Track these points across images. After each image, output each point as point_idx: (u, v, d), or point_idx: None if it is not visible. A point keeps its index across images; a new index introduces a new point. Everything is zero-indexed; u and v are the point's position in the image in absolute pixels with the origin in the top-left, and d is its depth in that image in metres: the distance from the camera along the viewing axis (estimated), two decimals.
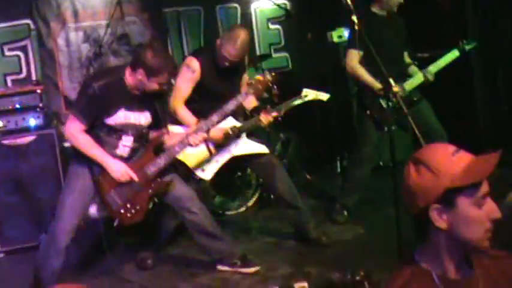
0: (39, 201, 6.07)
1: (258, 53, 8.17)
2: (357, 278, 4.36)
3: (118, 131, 4.66)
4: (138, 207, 4.73)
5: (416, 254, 2.03)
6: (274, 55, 8.23)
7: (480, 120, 7.88)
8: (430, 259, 1.99)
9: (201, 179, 5.42)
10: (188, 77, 5.23)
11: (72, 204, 4.66)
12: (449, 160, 1.93)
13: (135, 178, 4.68)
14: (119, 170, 4.63)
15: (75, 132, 4.57)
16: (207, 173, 5.34)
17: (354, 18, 4.18)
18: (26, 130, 6.18)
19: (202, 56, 5.32)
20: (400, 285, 1.95)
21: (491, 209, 1.93)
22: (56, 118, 6.96)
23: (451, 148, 1.98)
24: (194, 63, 5.24)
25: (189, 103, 5.28)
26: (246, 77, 5.58)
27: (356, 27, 4.25)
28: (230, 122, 5.31)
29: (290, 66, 8.47)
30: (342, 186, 6.34)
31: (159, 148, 4.88)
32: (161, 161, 4.79)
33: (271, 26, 8.37)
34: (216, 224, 5.15)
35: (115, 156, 4.67)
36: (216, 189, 6.53)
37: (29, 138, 6.10)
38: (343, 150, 7.76)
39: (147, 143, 4.85)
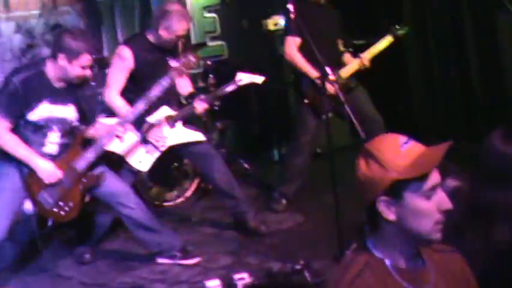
0: None
1: (193, 41, 8.09)
2: (297, 267, 4.40)
3: (43, 128, 4.54)
4: (71, 205, 4.64)
5: (369, 242, 2.00)
6: (209, 43, 8.15)
7: (416, 106, 7.98)
8: (382, 248, 1.97)
9: (138, 171, 5.33)
10: (120, 66, 5.14)
11: (1, 206, 4.53)
12: (397, 152, 1.92)
13: (62, 176, 4.57)
14: (46, 170, 4.52)
15: (0, 132, 4.44)
16: (144, 165, 5.25)
17: (289, 6, 4.16)
18: None
19: (133, 43, 5.23)
20: (354, 273, 1.91)
21: (441, 200, 1.92)
22: None
23: (401, 139, 1.96)
24: (125, 52, 5.14)
25: (125, 93, 5.17)
26: None
27: (291, 15, 4.23)
28: (164, 111, 5.23)
29: (226, 54, 8.40)
30: (281, 175, 6.32)
31: (87, 142, 4.77)
32: (90, 155, 4.68)
33: (207, 15, 8.29)
34: (153, 217, 5.07)
35: (43, 154, 4.56)
36: (153, 180, 6.43)
37: None
38: (280, 138, 7.75)
39: (74, 137, 4.73)
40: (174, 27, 5.03)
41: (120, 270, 5.09)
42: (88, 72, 4.61)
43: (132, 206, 4.88)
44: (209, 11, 8.29)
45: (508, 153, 2.60)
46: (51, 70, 4.49)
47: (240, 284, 4.35)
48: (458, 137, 7.52)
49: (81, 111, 4.72)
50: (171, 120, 5.23)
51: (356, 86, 5.85)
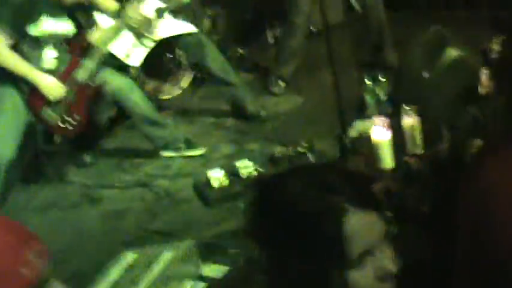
0: None
1: None
2: (300, 149, 4.35)
3: (41, 43, 4.40)
4: (77, 118, 4.54)
5: None
6: None
7: None
8: None
9: (129, 66, 5.21)
10: None
11: (6, 127, 4.43)
12: None
13: (64, 90, 4.45)
14: (49, 86, 4.40)
15: (0, 49, 4.28)
16: (135, 59, 5.11)
17: None
18: None
19: None
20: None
21: None
22: None
23: None
24: None
25: None
26: None
27: None
28: (154, 4, 5.05)
29: None
30: (276, 57, 6.17)
31: (85, 50, 4.62)
32: (89, 63, 4.55)
33: None
34: (156, 111, 5.00)
35: (43, 70, 4.41)
36: (147, 74, 6.31)
37: None
38: (273, 21, 7.55)
39: (71, 47, 4.58)
40: None
41: (122, 169, 5.07)
42: None
43: (137, 100, 4.83)
44: None
45: None
46: None
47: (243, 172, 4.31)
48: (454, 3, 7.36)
49: (77, 21, 4.56)
50: (160, 12, 5.06)
51: None
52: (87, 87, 4.59)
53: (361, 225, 1.39)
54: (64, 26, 4.49)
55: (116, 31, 4.73)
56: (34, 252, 1.59)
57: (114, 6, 4.89)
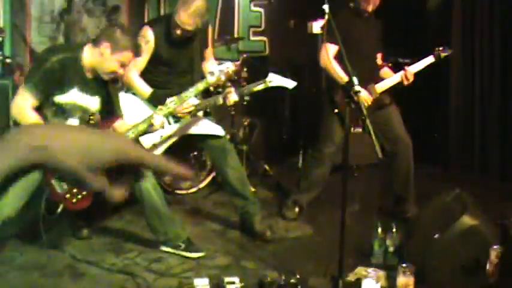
0: None
1: (235, 33, 7.95)
2: (292, 280, 4.20)
3: (65, 113, 4.43)
4: (84, 193, 4.50)
5: None
6: (252, 38, 8.01)
7: (452, 137, 7.74)
8: None
9: None
10: (142, 46, 5.00)
11: (15, 183, 4.39)
12: None
13: None
14: None
15: (25, 109, 4.28)
16: (157, 150, 5.10)
17: (326, 7, 3.96)
18: None
19: (157, 25, 5.13)
20: None
21: None
22: (19, 70, 6.70)
23: None
24: (148, 33, 5.05)
25: (144, 74, 5.10)
26: (210, 51, 5.40)
27: (326, 17, 4.03)
28: (189, 100, 5.07)
29: (267, 51, 8.24)
30: (299, 183, 6.12)
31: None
32: None
33: (253, 8, 8.13)
34: (167, 204, 4.93)
35: None
36: None
37: None
38: (307, 145, 7.56)
39: (100, 125, 4.60)
40: (182, 19, 4.89)
41: (114, 251, 4.96)
42: (121, 72, 4.50)
43: (150, 189, 4.75)
44: (256, 5, 8.12)
45: None
46: (87, 56, 4.38)
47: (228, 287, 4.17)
48: (490, 175, 7.31)
49: (106, 105, 4.60)
50: (194, 109, 5.08)
51: (390, 104, 5.63)
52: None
53: None
54: (90, 100, 4.51)
55: (147, 123, 4.74)
56: None
57: (146, 94, 4.99)
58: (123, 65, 4.42)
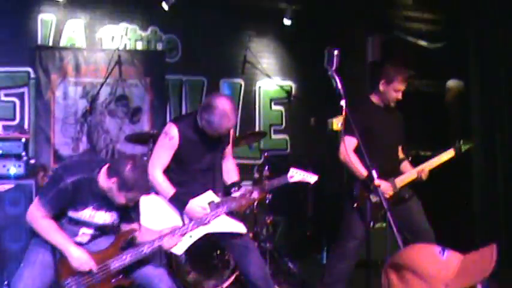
0: (6, 252, 5.90)
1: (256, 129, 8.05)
2: None
3: (79, 224, 4.46)
4: None
5: None
6: (273, 136, 8.09)
7: (476, 225, 7.65)
8: None
9: (172, 253, 5.17)
10: (166, 143, 5.05)
11: (29, 277, 4.40)
12: (438, 263, 1.68)
13: (95, 269, 4.41)
14: (79, 259, 4.37)
15: (38, 218, 4.35)
16: (178, 248, 5.06)
17: (343, 103, 4.01)
18: (5, 177, 6.10)
19: (182, 122, 5.14)
20: None
21: None
22: (43, 171, 6.80)
23: (436, 248, 1.73)
24: (172, 130, 5.05)
25: (168, 172, 5.10)
26: (229, 150, 5.42)
27: (344, 113, 4.08)
28: (209, 197, 5.09)
29: (289, 149, 8.30)
30: (322, 279, 6.03)
31: (127, 243, 4.64)
32: (126, 258, 4.51)
33: (274, 107, 8.25)
34: None
35: (74, 242, 4.43)
36: (192, 265, 6.24)
37: (6, 186, 5.95)
38: (331, 241, 7.50)
39: (117, 236, 4.60)
40: (216, 125, 4.90)
41: None
42: (131, 204, 4.50)
43: None
44: (276, 104, 8.24)
45: None
46: (102, 181, 4.37)
47: None
48: None
49: (125, 213, 4.63)
50: (214, 207, 5.09)
51: (410, 197, 5.60)
52: (115, 278, 4.52)
53: None
54: (105, 217, 4.52)
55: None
56: None
57: (168, 195, 5.05)
58: (129, 201, 4.40)
